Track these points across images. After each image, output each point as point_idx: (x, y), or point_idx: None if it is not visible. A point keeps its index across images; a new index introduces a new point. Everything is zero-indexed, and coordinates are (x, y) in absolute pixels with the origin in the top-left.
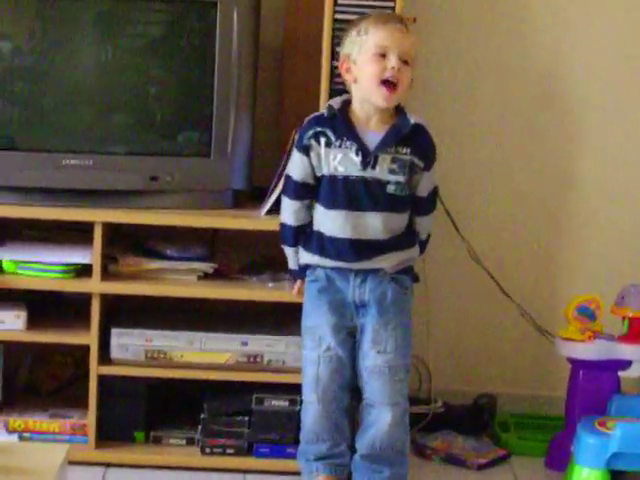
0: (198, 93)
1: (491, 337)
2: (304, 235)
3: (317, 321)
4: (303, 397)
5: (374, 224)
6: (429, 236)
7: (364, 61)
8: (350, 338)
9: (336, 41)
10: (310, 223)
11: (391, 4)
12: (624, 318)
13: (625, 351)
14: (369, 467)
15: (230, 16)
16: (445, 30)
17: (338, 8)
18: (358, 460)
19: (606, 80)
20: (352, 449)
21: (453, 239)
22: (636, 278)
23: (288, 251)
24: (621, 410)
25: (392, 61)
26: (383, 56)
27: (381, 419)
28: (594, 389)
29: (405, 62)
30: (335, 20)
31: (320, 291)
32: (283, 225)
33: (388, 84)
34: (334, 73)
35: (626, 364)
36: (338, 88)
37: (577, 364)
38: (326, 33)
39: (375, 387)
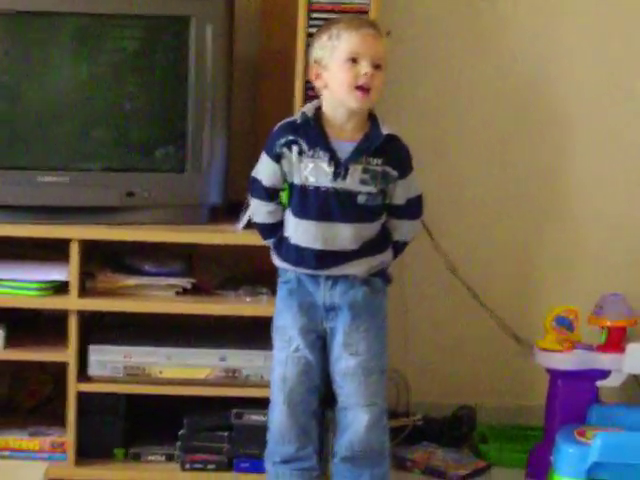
0: (173, 108)
1: (469, 349)
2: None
3: (287, 321)
4: (270, 397)
5: (344, 235)
6: (406, 243)
7: (336, 67)
8: (319, 341)
9: (309, 51)
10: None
11: (364, 16)
12: (602, 328)
13: (603, 361)
14: (349, 469)
15: (203, 31)
16: (424, 40)
17: (312, 22)
18: (337, 463)
19: (590, 86)
20: (320, 454)
21: (430, 251)
22: (613, 288)
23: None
24: (600, 420)
25: (365, 67)
26: (355, 61)
27: (357, 421)
28: (573, 399)
29: (377, 66)
30: (309, 34)
31: (290, 292)
32: (259, 225)
33: (361, 89)
34: (308, 87)
35: (605, 374)
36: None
37: (556, 374)
38: (300, 47)
39: (350, 389)
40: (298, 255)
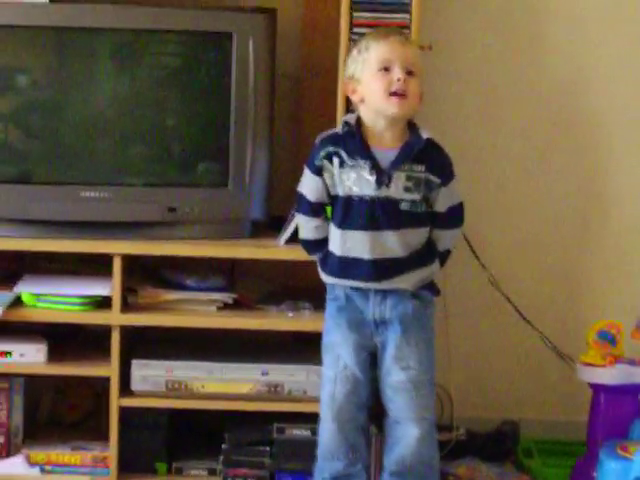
0: (215, 123)
1: (512, 363)
2: (323, 252)
3: (336, 339)
4: (320, 414)
5: (392, 242)
6: (449, 252)
7: (369, 78)
8: (369, 358)
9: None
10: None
11: (406, 31)
12: None
13: None
14: None
15: (246, 46)
16: (464, 53)
17: (353, 37)
18: (387, 478)
19: (628, 93)
20: (368, 469)
21: (472, 265)
22: None
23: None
24: None
25: (397, 73)
26: (387, 70)
27: (408, 435)
28: (615, 414)
29: (410, 73)
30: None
31: (339, 310)
32: (306, 241)
33: (397, 94)
34: (350, 101)
35: None
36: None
37: (598, 389)
38: (342, 59)
39: (400, 403)
40: (346, 267)
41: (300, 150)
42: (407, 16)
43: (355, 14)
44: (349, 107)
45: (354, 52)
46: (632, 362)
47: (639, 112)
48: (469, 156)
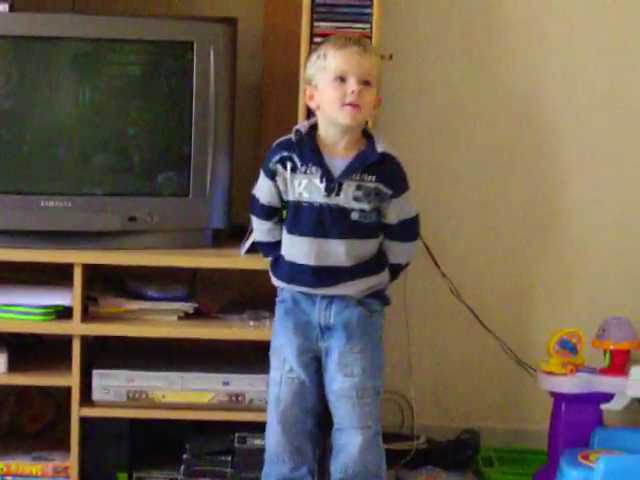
0: (176, 133)
1: (473, 372)
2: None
3: (282, 341)
4: (267, 417)
5: (337, 251)
6: (401, 266)
7: (325, 87)
8: (314, 362)
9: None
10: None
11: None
12: (605, 351)
13: (607, 384)
14: None
15: (207, 55)
16: (424, 61)
17: (314, 46)
18: None
19: (588, 102)
20: (314, 475)
21: (433, 275)
22: (616, 310)
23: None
24: (604, 443)
25: (352, 85)
26: (343, 80)
27: (351, 443)
28: (576, 422)
29: (366, 82)
30: None
31: (286, 312)
32: (258, 243)
33: (351, 105)
34: (311, 110)
35: (608, 397)
36: (316, 124)
37: (559, 398)
38: (302, 72)
39: (343, 411)
40: (293, 272)
41: (260, 159)
42: (368, 26)
43: (316, 24)
44: (309, 117)
45: (313, 57)
46: (592, 371)
47: (595, 123)
48: (427, 166)
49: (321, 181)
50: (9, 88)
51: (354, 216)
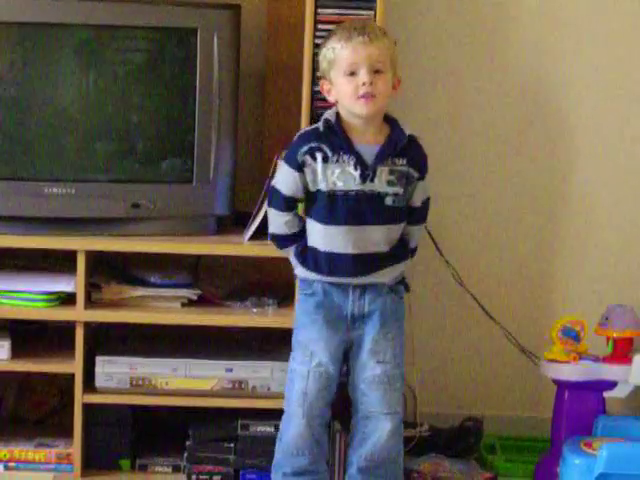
0: (180, 120)
1: (476, 360)
2: (298, 247)
3: (311, 335)
4: (286, 409)
5: (376, 237)
6: (416, 248)
7: (338, 81)
8: (342, 354)
9: (316, 66)
10: (301, 232)
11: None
12: (608, 339)
13: (610, 372)
14: None
15: (210, 42)
16: (429, 49)
17: (318, 33)
18: (354, 474)
19: (592, 93)
20: (328, 465)
21: (437, 263)
22: (620, 299)
23: (287, 251)
24: (607, 431)
25: (362, 77)
26: (354, 73)
27: (380, 429)
28: (579, 410)
29: (378, 71)
30: (315, 45)
31: (317, 306)
32: (275, 236)
33: (365, 96)
34: (315, 98)
35: (611, 385)
36: (320, 112)
37: (562, 385)
38: (306, 58)
39: (375, 397)
40: (333, 263)
41: (264, 147)
42: (372, 12)
43: (320, 10)
44: (313, 102)
45: (323, 50)
46: (596, 359)
47: (603, 112)
48: (432, 152)
49: (355, 168)
50: (12, 75)
51: (388, 201)
